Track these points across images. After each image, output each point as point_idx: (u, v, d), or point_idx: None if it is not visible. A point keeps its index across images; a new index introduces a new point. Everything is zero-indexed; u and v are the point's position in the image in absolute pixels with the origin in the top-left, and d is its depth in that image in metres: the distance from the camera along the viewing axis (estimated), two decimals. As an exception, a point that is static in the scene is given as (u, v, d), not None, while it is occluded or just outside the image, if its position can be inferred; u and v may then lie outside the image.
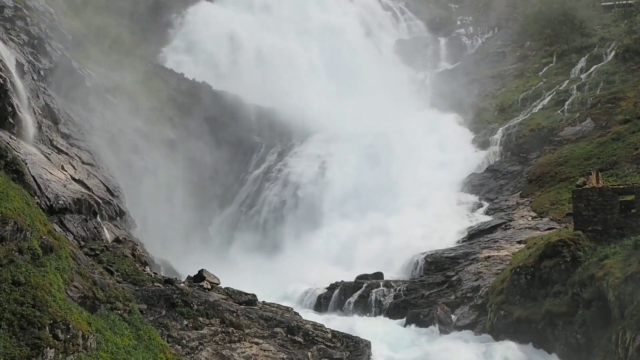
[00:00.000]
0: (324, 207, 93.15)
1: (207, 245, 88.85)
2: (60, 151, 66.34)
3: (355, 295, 68.36)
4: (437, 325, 61.05)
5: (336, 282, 71.01)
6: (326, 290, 70.69)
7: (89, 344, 35.69)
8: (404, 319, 63.34)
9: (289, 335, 50.90)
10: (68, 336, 34.22)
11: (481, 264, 67.68)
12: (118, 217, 67.37)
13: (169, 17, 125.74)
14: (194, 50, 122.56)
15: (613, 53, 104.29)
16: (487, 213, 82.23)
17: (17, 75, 66.01)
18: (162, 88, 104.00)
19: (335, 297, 69.31)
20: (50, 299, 34.56)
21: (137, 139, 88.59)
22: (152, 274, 54.20)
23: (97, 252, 53.10)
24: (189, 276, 58.61)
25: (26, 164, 55.13)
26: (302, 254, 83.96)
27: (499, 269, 64.66)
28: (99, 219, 61.98)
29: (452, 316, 62.60)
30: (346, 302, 68.13)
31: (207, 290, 54.25)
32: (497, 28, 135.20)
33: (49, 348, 32.85)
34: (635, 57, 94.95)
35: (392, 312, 65.65)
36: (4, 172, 48.41)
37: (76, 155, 68.58)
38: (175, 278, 57.08)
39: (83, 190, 62.32)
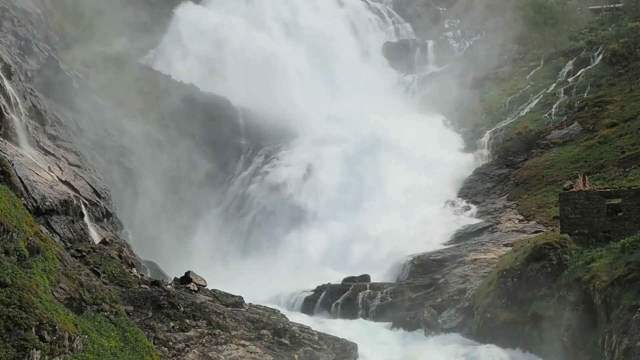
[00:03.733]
0: (310, 210, 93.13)
1: (194, 247, 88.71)
2: (47, 152, 66.24)
3: (342, 298, 68.39)
4: (423, 328, 61.14)
5: (323, 285, 71.02)
6: (313, 292, 70.70)
7: (75, 345, 35.58)
8: (391, 322, 63.40)
9: (275, 338, 50.90)
10: (54, 338, 34.11)
11: (468, 267, 67.73)
12: (105, 219, 67.29)
13: (158, 19, 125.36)
14: (182, 52, 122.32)
15: (600, 57, 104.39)
16: (474, 216, 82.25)
17: (4, 77, 65.86)
18: (150, 90, 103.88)
19: (322, 299, 69.31)
20: (36, 300, 34.46)
21: (125, 141, 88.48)
22: (139, 276, 54.13)
23: (84, 253, 53.00)
24: (175, 278, 58.53)
25: (13, 165, 55.02)
26: (289, 257, 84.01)
27: (485, 272, 64.75)
28: (85, 221, 61.88)
29: (439, 319, 62.69)
30: (333, 305, 68.16)
31: (193, 292, 54.20)
32: (485, 31, 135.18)
33: (35, 350, 32.73)
34: (622, 61, 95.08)
35: (379, 314, 65.66)
36: (-10, 173, 48.41)
37: (63, 156, 68.47)
38: (162, 280, 57.04)
39: (70, 191, 62.22)
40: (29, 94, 70.97)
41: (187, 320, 48.15)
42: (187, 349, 46.19)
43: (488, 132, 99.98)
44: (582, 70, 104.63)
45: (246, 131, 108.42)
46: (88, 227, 61.64)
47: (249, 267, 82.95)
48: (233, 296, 55.76)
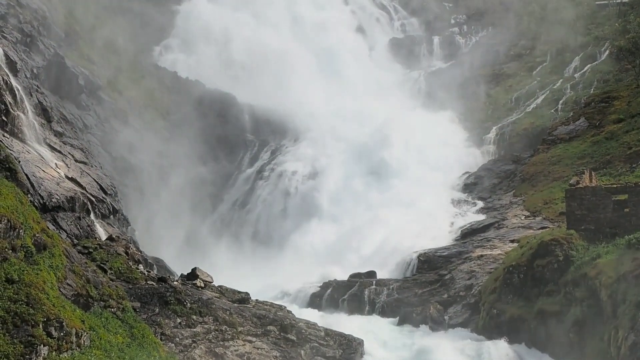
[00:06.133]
0: (317, 206, 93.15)
1: (201, 243, 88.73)
2: (53, 149, 66.32)
3: (348, 294, 68.39)
4: (429, 323, 61.15)
5: (329, 281, 71.11)
6: (319, 288, 70.76)
7: (82, 341, 35.67)
8: (397, 318, 63.41)
9: (282, 334, 50.91)
10: (61, 334, 34.21)
11: (474, 263, 67.74)
12: (111, 215, 67.35)
13: (163, 15, 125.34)
14: (187, 48, 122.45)
15: (607, 52, 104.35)
16: (480, 212, 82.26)
17: (10, 73, 65.94)
18: (155, 86, 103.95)
19: (328, 295, 69.35)
20: (43, 296, 34.54)
21: (130, 137, 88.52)
22: (145, 272, 54.17)
23: (91, 250, 53.01)
24: (182, 274, 58.56)
25: (19, 162, 55.10)
26: (295, 253, 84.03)
27: (491, 268, 64.73)
28: (92, 217, 61.98)
29: (445, 315, 62.68)
30: (339, 301, 68.18)
31: (200, 289, 54.21)
32: (491, 27, 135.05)
33: (42, 346, 32.84)
34: (629, 57, 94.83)
35: (385, 310, 65.70)
36: (-3, 170, 48.52)
37: (69, 153, 68.57)
38: (169, 276, 57.05)
39: (76, 188, 62.30)
40: (35, 90, 71.05)
41: (194, 317, 48.19)
42: (193, 345, 46.23)
43: (494, 128, 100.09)
44: (589, 66, 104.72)
45: (252, 127, 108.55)
46: (94, 223, 61.73)
47: (255, 263, 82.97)
48: (239, 292, 55.77)
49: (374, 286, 68.77)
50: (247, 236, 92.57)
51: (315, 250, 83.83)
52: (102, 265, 50.04)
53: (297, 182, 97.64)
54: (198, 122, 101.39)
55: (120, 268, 51.40)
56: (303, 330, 52.04)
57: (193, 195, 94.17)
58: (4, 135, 58.08)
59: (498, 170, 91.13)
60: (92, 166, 70.84)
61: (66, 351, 34.36)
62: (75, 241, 54.84)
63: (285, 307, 57.98)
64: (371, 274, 72.08)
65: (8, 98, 61.43)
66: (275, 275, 75.98)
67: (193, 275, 56.36)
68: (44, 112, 69.86)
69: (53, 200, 56.74)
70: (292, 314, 55.93)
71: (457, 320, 61.81)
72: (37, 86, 72.89)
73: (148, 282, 51.13)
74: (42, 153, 63.30)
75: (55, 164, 63.51)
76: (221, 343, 47.62)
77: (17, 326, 32.55)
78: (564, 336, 50.94)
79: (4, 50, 69.69)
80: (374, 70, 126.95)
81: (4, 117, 59.61)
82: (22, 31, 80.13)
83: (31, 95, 69.14)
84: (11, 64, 68.91)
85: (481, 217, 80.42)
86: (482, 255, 68.79)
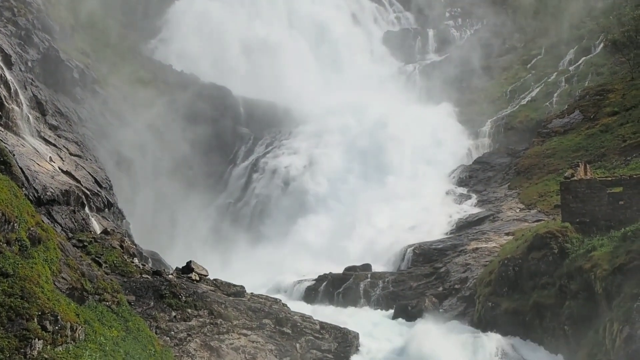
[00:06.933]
0: (312, 199, 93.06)
1: (196, 236, 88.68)
2: (48, 142, 66.25)
3: (344, 287, 68.36)
4: (425, 316, 61.11)
5: (324, 274, 71.02)
6: (314, 282, 70.71)
7: (77, 335, 35.65)
8: (392, 311, 63.41)
9: (277, 327, 50.97)
10: (56, 327, 34.19)
11: (469, 256, 67.72)
12: (106, 209, 67.28)
13: (158, 9, 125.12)
14: (183, 42, 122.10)
15: (602, 45, 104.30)
16: (475, 205, 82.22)
17: (4, 67, 65.83)
18: (150, 80, 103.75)
19: (323, 288, 69.31)
20: (38, 290, 34.51)
21: (125, 130, 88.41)
22: (141, 266, 54.19)
23: (86, 243, 53.05)
24: (177, 268, 58.56)
25: (14, 155, 55.06)
26: (291, 246, 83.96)
27: (487, 261, 64.72)
28: (87, 211, 61.92)
29: (440, 308, 62.67)
30: (335, 294, 68.16)
31: (195, 282, 54.24)
32: (486, 20, 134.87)
33: (37, 339, 32.82)
34: (623, 50, 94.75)
35: (380, 303, 65.71)
36: (-9, 163, 48.47)
37: (64, 146, 68.49)
38: (164, 269, 57.10)
39: (71, 181, 62.25)
40: (30, 84, 70.98)
41: (189, 310, 48.23)
42: (188, 338, 46.26)
43: (489, 121, 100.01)
44: (584, 58, 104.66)
45: (247, 121, 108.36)
46: (89, 217, 61.70)
47: (250, 256, 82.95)
48: (235, 286, 55.83)
49: (369, 279, 68.72)
50: (242, 230, 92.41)
51: (310, 244, 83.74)
52: (96, 258, 50.07)
53: (292, 175, 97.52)
54: (193, 115, 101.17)
55: (115, 261, 51.45)
56: (298, 324, 52.11)
57: (188, 188, 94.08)
58: (-2, 129, 58.09)
59: (493, 163, 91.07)
60: (86, 159, 70.76)
61: (61, 345, 34.36)
62: (70, 235, 54.85)
63: (281, 300, 58.10)
64: (366, 267, 72.05)
65: (2, 91, 61.38)
66: (270, 269, 75.97)
67: (188, 268, 56.41)
68: (38, 106, 69.80)
69: (48, 193, 56.70)
70: (288, 307, 56.00)
71: (452, 313, 61.81)
72: (32, 79, 72.82)
73: (143, 275, 51.17)
74: (37, 146, 63.24)
75: (50, 157, 63.45)
76: (216, 336, 47.68)
77: (11, 320, 32.53)
78: (559, 329, 51.00)
79: (-2, 43, 69.67)
80: (369, 63, 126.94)
81: (-2, 111, 59.63)
82: (16, 24, 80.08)
83: (26, 89, 69.07)
84: (5, 57, 68.81)
85: (476, 210, 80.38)
86: (477, 248, 68.79)
